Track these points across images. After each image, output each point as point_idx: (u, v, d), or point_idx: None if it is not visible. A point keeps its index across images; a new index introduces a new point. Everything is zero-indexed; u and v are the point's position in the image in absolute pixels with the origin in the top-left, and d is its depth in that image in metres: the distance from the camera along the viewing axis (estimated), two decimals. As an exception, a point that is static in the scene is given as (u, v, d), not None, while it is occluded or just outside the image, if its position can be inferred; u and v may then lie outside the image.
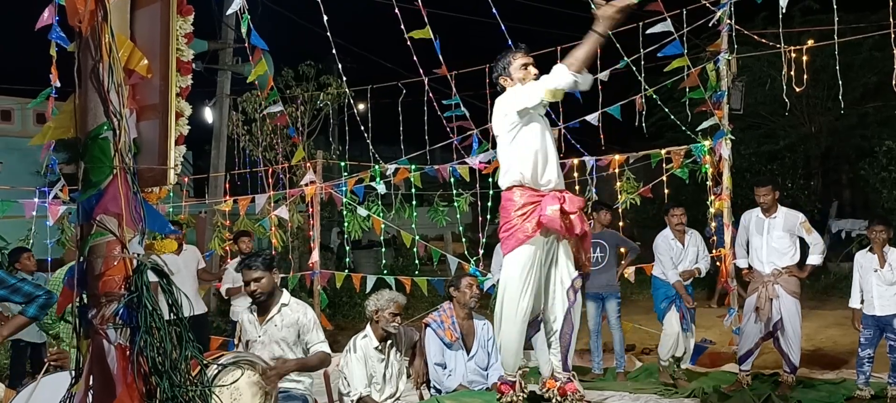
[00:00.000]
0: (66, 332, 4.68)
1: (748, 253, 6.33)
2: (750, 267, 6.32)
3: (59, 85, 5.62)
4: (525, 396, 4.04)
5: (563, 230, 3.89)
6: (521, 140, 3.93)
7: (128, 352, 2.32)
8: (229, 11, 6.96)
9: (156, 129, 2.50)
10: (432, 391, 5.32)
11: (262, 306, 4.48)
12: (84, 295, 2.41)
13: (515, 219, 3.92)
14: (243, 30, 6.59)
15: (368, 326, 5.14)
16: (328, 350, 4.50)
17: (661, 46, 7.46)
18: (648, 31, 7.39)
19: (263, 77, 7.31)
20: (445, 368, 5.29)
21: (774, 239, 6.09)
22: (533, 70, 4.00)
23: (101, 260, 2.35)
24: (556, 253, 4.05)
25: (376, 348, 5.05)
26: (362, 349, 5.03)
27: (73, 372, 2.48)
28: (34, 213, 8.09)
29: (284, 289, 4.63)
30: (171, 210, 9.83)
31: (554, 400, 4.01)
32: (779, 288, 6.03)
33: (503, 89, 4.09)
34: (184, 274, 7.12)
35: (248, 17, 6.57)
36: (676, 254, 7.00)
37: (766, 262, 6.11)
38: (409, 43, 6.85)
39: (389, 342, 5.13)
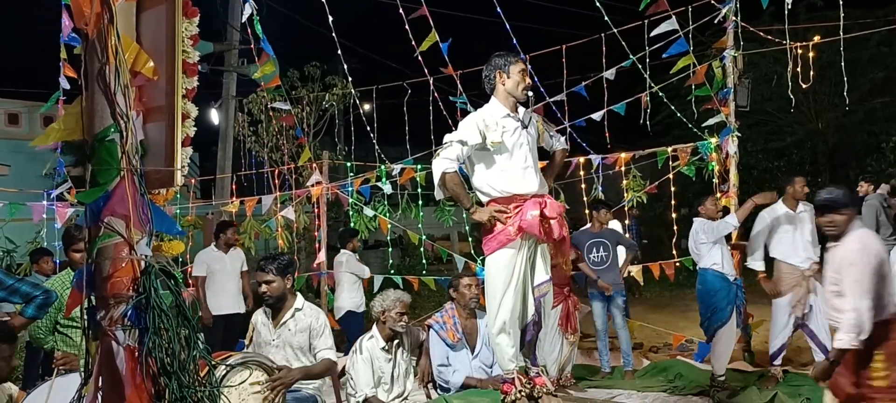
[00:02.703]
0: (63, 343, 4.67)
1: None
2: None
3: (68, 87, 5.65)
4: (528, 391, 4.07)
5: (541, 234, 4.00)
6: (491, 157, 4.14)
7: (137, 353, 2.33)
8: (243, 18, 7.02)
9: (162, 131, 2.51)
10: (438, 390, 5.33)
11: (274, 309, 4.52)
12: (93, 297, 2.42)
13: (498, 223, 4.05)
14: (259, 31, 6.62)
15: (375, 327, 5.15)
16: (334, 357, 4.53)
17: (666, 44, 7.44)
18: (653, 34, 7.36)
19: (269, 77, 7.35)
20: (449, 368, 5.30)
21: (807, 232, 6.01)
22: (528, 79, 4.18)
23: (109, 261, 2.36)
24: (535, 256, 4.13)
25: (383, 348, 5.06)
26: (369, 350, 5.04)
27: (83, 374, 2.49)
28: (43, 216, 8.13)
29: (299, 294, 4.65)
30: (178, 211, 9.86)
31: (524, 392, 4.11)
32: (815, 282, 5.96)
33: (493, 86, 4.19)
34: (229, 272, 7.65)
35: (258, 19, 6.60)
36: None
37: (803, 257, 6.00)
38: (414, 44, 6.87)
39: (396, 341, 5.14)
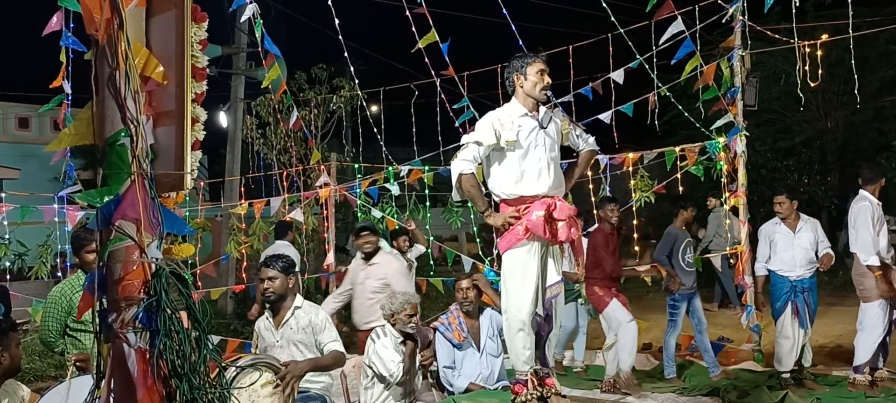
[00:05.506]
0: (72, 345, 4.71)
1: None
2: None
3: (70, 91, 5.65)
4: (540, 394, 4.07)
5: (547, 235, 3.99)
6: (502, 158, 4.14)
7: (148, 355, 2.35)
8: (242, 19, 7.02)
9: (172, 135, 2.52)
10: (445, 392, 5.35)
11: (275, 308, 4.56)
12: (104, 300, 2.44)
13: (511, 221, 4.06)
14: (257, 34, 6.64)
15: (387, 325, 5.18)
16: (342, 348, 4.54)
17: (673, 43, 7.41)
18: (662, 40, 7.32)
19: (277, 81, 7.36)
20: (454, 369, 5.32)
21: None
22: (547, 78, 4.14)
23: (120, 264, 2.38)
24: (546, 257, 4.13)
25: (400, 341, 5.10)
26: (390, 334, 5.07)
27: (95, 376, 2.51)
28: (54, 219, 8.20)
29: (298, 294, 4.68)
30: (187, 214, 9.91)
31: (535, 394, 4.11)
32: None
33: (512, 87, 4.19)
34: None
35: (261, 21, 6.62)
36: (788, 241, 6.33)
37: (887, 253, 5.94)
38: (419, 44, 6.88)
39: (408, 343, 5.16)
